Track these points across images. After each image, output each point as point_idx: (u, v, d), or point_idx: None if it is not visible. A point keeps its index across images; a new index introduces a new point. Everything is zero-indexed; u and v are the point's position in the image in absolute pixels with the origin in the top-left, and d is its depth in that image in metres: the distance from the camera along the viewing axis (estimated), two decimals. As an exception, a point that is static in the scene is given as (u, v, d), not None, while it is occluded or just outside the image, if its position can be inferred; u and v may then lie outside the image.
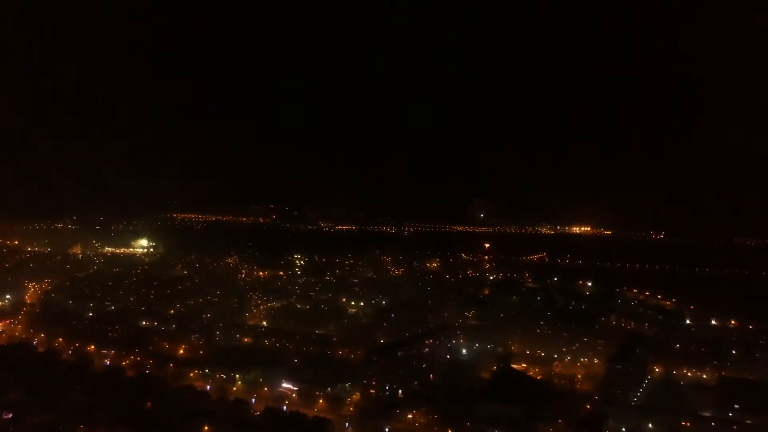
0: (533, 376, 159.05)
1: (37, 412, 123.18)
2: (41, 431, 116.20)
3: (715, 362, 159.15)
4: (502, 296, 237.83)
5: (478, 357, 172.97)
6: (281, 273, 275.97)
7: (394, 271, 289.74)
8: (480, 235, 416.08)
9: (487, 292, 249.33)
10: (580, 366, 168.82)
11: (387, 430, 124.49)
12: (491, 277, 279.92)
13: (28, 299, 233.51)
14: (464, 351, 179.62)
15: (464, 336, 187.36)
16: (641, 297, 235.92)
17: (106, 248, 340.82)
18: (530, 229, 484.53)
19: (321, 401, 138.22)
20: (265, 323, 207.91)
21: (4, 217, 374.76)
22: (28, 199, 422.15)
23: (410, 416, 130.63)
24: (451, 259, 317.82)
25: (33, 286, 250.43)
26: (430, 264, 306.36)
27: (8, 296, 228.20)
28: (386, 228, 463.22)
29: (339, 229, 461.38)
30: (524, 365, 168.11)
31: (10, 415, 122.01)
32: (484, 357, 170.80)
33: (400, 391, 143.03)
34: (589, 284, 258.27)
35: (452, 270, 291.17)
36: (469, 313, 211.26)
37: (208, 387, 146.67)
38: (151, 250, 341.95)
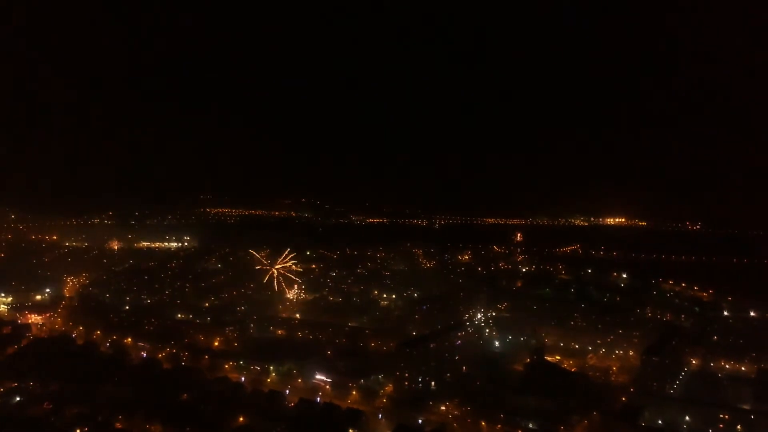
0: (567, 368, 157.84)
1: (76, 402, 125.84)
2: (80, 422, 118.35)
3: (754, 354, 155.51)
4: (535, 288, 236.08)
5: (511, 349, 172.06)
6: (314, 266, 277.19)
7: (425, 264, 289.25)
8: (512, 227, 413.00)
9: (519, 284, 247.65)
10: (614, 358, 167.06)
11: (420, 421, 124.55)
12: (524, 270, 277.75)
13: (66, 293, 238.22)
14: (497, 343, 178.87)
15: (497, 328, 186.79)
16: (678, 288, 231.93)
17: (142, 243, 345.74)
18: (563, 220, 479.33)
19: (354, 393, 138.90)
20: (298, 316, 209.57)
21: (43, 213, 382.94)
22: (66, 195, 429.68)
23: (443, 408, 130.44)
24: (483, 251, 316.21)
25: (71, 280, 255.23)
26: (462, 256, 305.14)
27: (48, 290, 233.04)
28: (417, 221, 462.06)
29: (370, 222, 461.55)
30: (558, 357, 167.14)
31: (51, 406, 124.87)
32: (517, 349, 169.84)
33: (432, 382, 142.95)
34: (624, 276, 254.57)
35: (484, 262, 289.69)
36: (502, 306, 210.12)
37: (243, 379, 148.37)
38: (186, 244, 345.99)
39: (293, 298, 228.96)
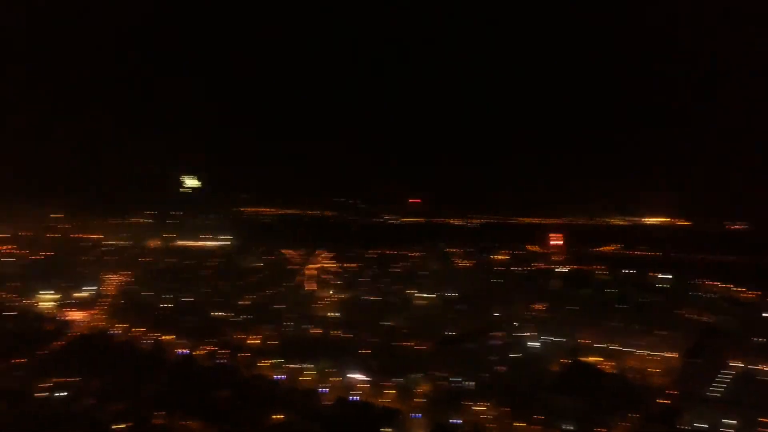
0: (605, 369, 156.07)
1: (117, 399, 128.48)
2: (121, 417, 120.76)
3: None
4: (572, 289, 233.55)
5: (547, 350, 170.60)
6: (348, 265, 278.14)
7: (461, 264, 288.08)
8: (550, 226, 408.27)
9: (556, 284, 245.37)
10: (653, 360, 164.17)
11: (456, 421, 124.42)
12: (561, 270, 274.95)
13: (108, 290, 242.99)
14: (534, 344, 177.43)
15: (534, 329, 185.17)
16: (719, 289, 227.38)
17: (181, 241, 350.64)
18: (602, 219, 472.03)
19: (390, 392, 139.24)
20: (333, 314, 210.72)
21: (86, 212, 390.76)
22: (109, 194, 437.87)
23: (479, 408, 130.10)
24: (520, 251, 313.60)
25: (112, 278, 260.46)
26: (498, 256, 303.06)
27: (89, 287, 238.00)
28: (452, 220, 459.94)
29: (405, 221, 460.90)
30: (595, 358, 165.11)
31: (94, 401, 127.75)
32: (554, 350, 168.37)
33: (469, 383, 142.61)
34: (664, 276, 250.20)
35: (521, 262, 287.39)
36: (539, 306, 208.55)
37: (280, 377, 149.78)
38: (223, 243, 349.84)
39: (328, 297, 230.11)
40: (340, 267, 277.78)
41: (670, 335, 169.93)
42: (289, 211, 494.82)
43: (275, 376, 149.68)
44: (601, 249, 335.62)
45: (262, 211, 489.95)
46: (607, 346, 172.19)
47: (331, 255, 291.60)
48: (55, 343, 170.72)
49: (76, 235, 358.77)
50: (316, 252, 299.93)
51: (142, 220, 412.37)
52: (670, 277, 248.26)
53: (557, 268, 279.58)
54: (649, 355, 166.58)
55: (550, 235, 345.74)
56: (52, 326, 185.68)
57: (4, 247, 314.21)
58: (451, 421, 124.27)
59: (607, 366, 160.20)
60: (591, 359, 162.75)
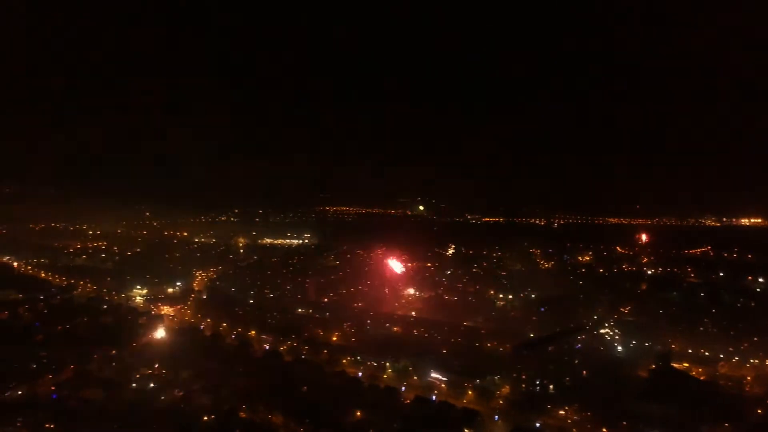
0: (696, 376, 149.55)
1: (203, 391, 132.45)
2: (207, 410, 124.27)
3: None
4: (661, 292, 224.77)
5: (634, 354, 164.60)
6: (429, 264, 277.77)
7: (543, 264, 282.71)
8: (637, 227, 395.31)
9: (644, 287, 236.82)
10: (749, 367, 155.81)
11: (538, 425, 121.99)
12: (649, 272, 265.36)
13: (196, 286, 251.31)
14: (620, 348, 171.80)
15: (619, 332, 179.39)
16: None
17: (265, 239, 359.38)
18: (693, 220, 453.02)
19: (470, 393, 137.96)
20: (413, 313, 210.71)
21: (174, 210, 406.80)
22: (196, 193, 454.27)
23: (562, 412, 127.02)
24: (605, 252, 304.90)
25: (200, 275, 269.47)
26: (582, 257, 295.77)
27: (179, 283, 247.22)
28: (535, 220, 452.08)
29: (486, 221, 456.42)
30: (686, 365, 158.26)
31: (181, 394, 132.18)
32: (642, 354, 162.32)
33: (551, 386, 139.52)
34: (761, 280, 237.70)
35: (606, 263, 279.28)
36: (625, 309, 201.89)
37: (360, 374, 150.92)
38: (306, 241, 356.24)
39: (408, 296, 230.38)
40: (419, 266, 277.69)
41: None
42: (371, 210, 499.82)
43: (356, 373, 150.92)
44: (692, 251, 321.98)
45: (344, 210, 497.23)
46: (699, 352, 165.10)
47: (411, 254, 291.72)
48: (146, 336, 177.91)
49: (166, 233, 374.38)
50: (396, 250, 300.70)
51: (228, 218, 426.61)
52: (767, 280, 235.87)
53: (645, 269, 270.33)
54: (744, 362, 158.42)
55: (639, 235, 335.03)
56: (144, 320, 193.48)
57: (98, 244, 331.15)
58: (532, 424, 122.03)
59: (699, 373, 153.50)
60: (681, 365, 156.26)
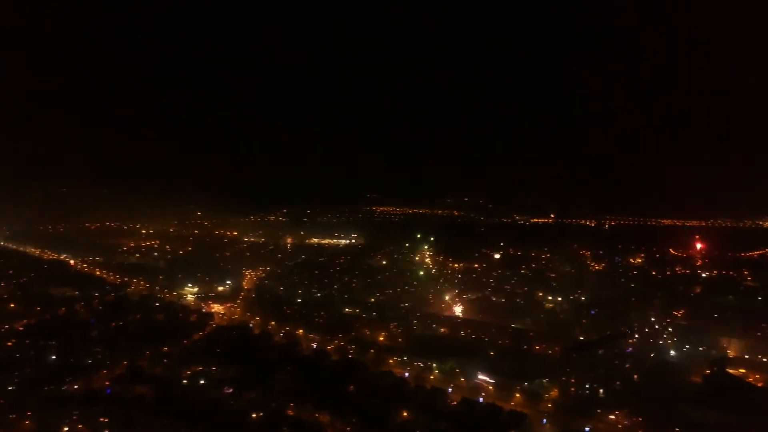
0: (753, 383, 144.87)
1: (252, 388, 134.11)
2: (256, 406, 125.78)
3: None
4: (716, 295, 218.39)
5: (688, 359, 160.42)
6: (476, 265, 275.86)
7: (593, 266, 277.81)
8: (691, 228, 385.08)
9: (698, 290, 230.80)
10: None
11: (587, 429, 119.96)
12: (704, 275, 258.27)
13: (245, 285, 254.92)
14: (672, 352, 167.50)
15: (672, 336, 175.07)
16: None
17: (313, 239, 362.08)
18: (750, 222, 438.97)
19: (517, 395, 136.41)
20: (460, 314, 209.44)
21: (225, 210, 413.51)
22: (246, 193, 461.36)
23: (612, 417, 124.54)
24: (658, 254, 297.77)
25: (249, 273, 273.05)
26: (634, 259, 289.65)
27: (229, 282, 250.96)
28: (585, 221, 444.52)
29: (534, 221, 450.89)
30: (742, 371, 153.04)
31: (231, 390, 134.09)
32: (695, 360, 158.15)
33: (601, 390, 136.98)
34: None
35: (659, 266, 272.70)
36: (678, 313, 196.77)
37: (407, 374, 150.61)
38: (353, 241, 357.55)
39: (455, 297, 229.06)
40: (466, 266, 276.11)
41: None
42: (418, 211, 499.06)
43: (402, 374, 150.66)
44: (749, 253, 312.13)
45: (391, 210, 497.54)
46: (756, 358, 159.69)
47: (458, 254, 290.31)
48: (195, 334, 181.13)
49: (217, 232, 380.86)
50: (443, 250, 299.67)
51: (277, 218, 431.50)
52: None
53: (699, 272, 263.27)
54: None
55: (693, 237, 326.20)
56: (194, 317, 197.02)
57: (151, 243, 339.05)
58: (581, 428, 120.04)
59: (756, 379, 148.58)
60: (738, 371, 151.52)
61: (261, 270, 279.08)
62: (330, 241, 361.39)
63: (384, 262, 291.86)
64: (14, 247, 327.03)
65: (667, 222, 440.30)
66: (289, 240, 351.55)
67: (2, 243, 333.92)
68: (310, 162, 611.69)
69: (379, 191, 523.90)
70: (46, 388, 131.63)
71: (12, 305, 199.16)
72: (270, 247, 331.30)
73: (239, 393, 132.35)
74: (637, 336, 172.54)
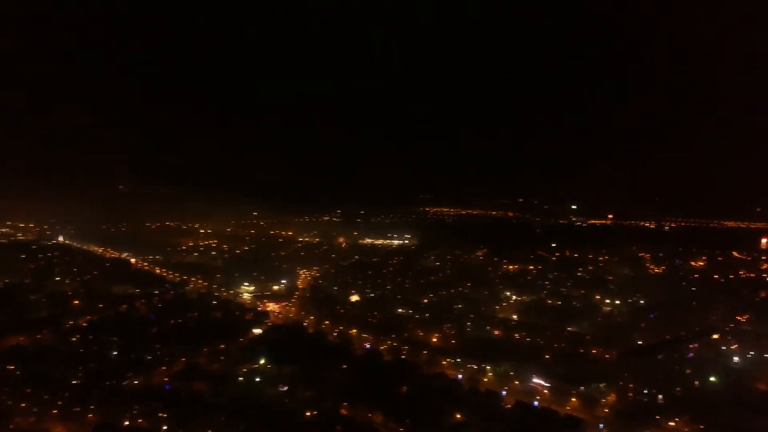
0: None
1: (307, 387, 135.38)
2: (310, 405, 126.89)
3: None
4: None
5: (753, 366, 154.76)
6: (531, 267, 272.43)
7: (653, 269, 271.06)
8: (757, 231, 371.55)
9: (764, 294, 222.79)
10: None
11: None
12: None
13: (299, 284, 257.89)
14: (736, 359, 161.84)
15: (736, 342, 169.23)
16: None
17: (366, 239, 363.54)
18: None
19: (573, 400, 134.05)
20: (515, 317, 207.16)
21: (281, 210, 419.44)
22: (301, 194, 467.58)
23: (672, 423, 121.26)
24: (721, 257, 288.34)
25: (304, 273, 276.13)
26: (696, 262, 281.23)
27: (284, 281, 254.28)
28: (644, 223, 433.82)
29: (592, 223, 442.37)
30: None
31: (286, 388, 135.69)
32: (761, 367, 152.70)
33: (660, 396, 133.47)
34: None
35: (721, 269, 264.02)
36: (742, 318, 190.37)
37: (460, 376, 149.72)
38: (406, 242, 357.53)
39: (510, 299, 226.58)
40: (521, 268, 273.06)
41: None
42: (472, 212, 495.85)
43: (456, 375, 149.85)
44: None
45: (444, 211, 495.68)
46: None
47: (513, 256, 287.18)
48: (253, 331, 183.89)
49: (272, 232, 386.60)
50: (498, 252, 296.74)
51: (331, 219, 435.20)
52: None
53: (765, 276, 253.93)
54: None
55: (758, 240, 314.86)
56: (250, 316, 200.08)
57: (209, 242, 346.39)
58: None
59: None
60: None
61: (315, 269, 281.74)
62: (383, 241, 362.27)
63: (437, 263, 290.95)
64: (78, 245, 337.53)
65: (730, 224, 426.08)
66: (342, 240, 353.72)
67: (67, 241, 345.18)
68: (364, 163, 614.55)
69: (433, 191, 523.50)
70: (108, 383, 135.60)
71: (76, 302, 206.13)
72: (324, 247, 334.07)
73: (294, 391, 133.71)
74: (698, 341, 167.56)
